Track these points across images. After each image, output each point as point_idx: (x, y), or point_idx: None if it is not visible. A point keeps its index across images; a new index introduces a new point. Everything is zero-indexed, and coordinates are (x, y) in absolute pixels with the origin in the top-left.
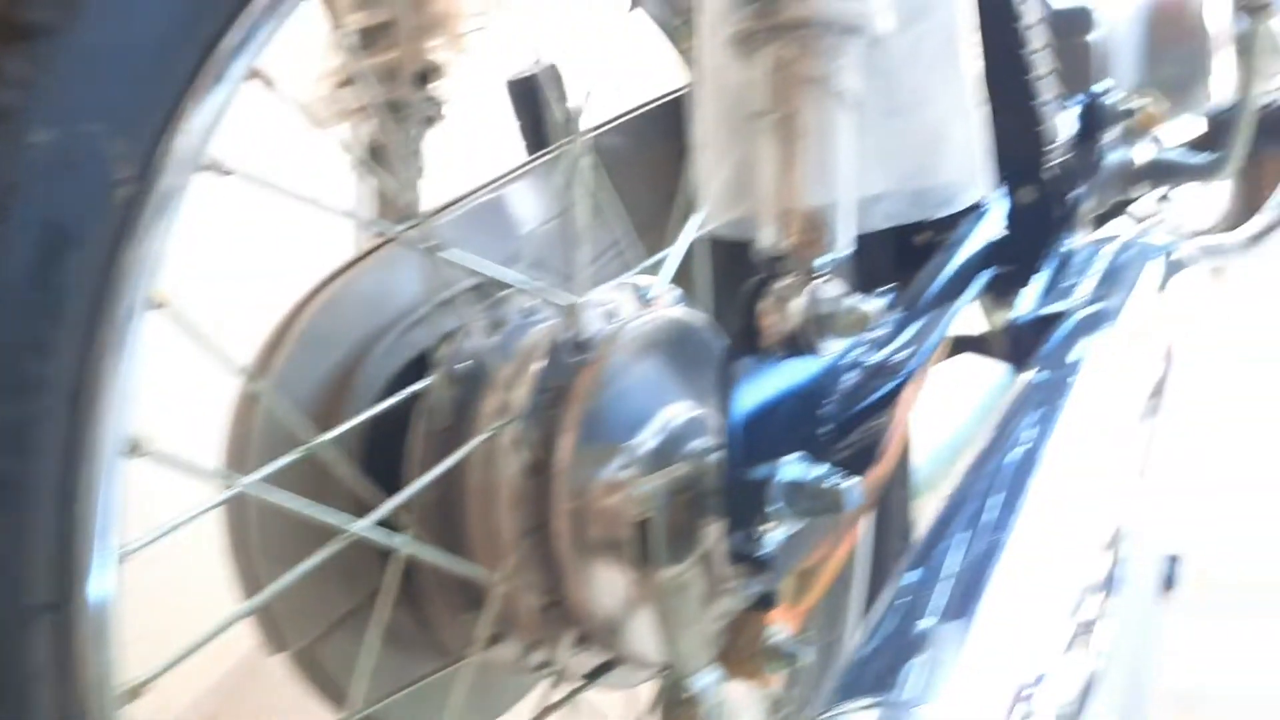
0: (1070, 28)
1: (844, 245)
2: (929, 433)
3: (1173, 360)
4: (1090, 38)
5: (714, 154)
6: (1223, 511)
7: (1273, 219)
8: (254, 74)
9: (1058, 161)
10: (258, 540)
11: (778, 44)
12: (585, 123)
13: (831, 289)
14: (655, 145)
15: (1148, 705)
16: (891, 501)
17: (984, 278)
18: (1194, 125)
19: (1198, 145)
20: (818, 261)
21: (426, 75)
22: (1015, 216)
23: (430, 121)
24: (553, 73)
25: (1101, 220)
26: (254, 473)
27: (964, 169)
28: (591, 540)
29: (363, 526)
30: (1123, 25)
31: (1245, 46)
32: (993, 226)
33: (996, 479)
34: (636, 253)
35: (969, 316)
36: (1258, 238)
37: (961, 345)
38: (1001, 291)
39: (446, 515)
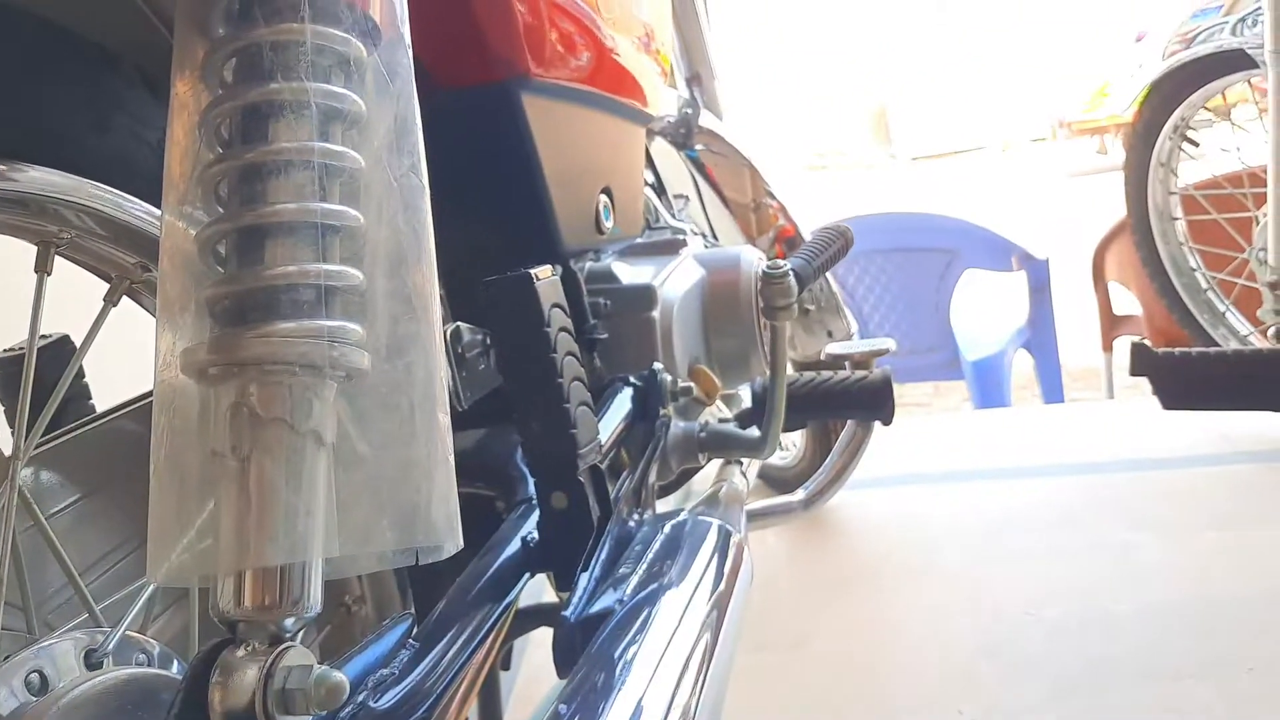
0: (634, 305)
1: (312, 606)
2: None
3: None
4: (653, 314)
5: (166, 495)
6: None
7: (824, 482)
8: None
9: (597, 461)
10: None
11: (238, 380)
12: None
13: (296, 657)
14: None
15: None
16: None
17: (522, 582)
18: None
19: (748, 417)
20: (283, 625)
21: None
22: (550, 522)
23: None
24: (58, 349)
25: (671, 487)
26: None
27: (448, 514)
28: None
29: None
30: (682, 302)
31: (771, 340)
32: (527, 531)
33: None
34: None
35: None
36: (813, 499)
37: (534, 619)
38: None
39: None
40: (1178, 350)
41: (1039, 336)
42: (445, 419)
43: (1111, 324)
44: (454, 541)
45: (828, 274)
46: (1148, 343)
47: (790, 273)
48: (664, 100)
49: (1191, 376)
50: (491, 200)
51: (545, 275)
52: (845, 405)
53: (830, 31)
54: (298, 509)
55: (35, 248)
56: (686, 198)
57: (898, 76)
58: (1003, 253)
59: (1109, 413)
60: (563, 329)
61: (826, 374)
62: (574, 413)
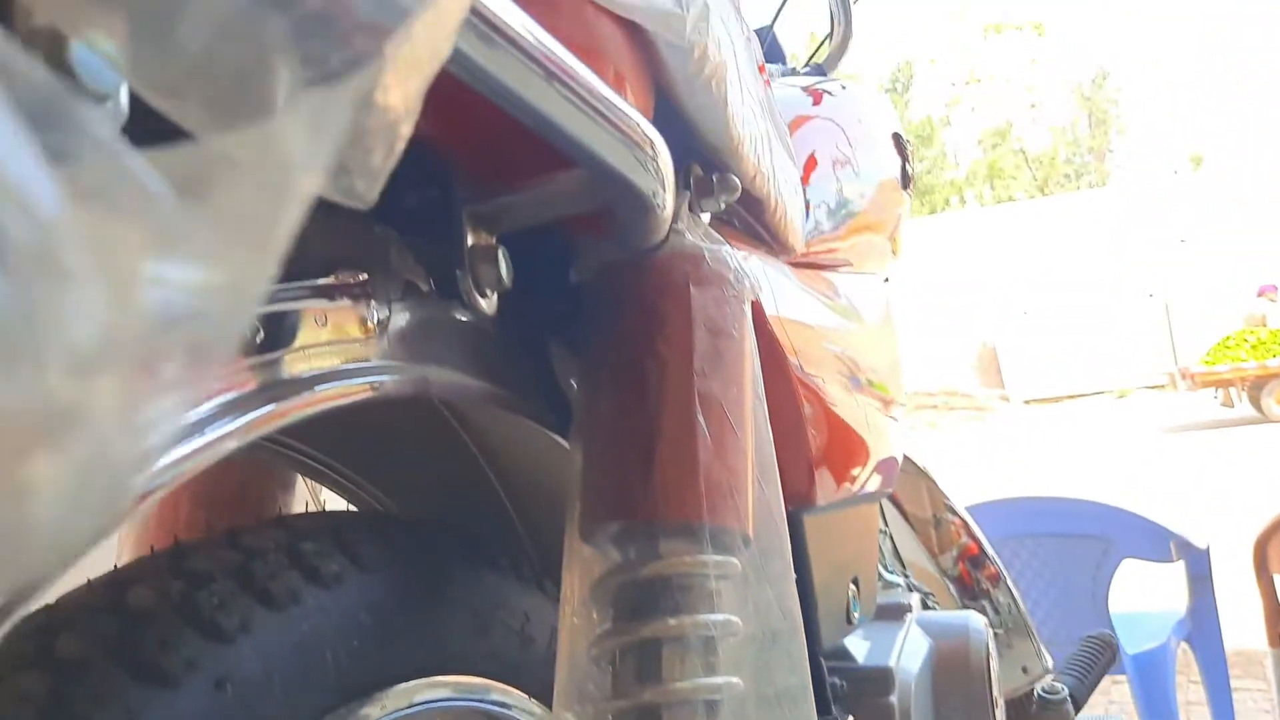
0: (873, 689)
1: None
2: None
3: None
4: (891, 699)
5: None
6: None
7: None
8: None
9: None
10: None
11: None
12: None
13: None
14: None
15: None
16: None
17: None
18: None
19: None
20: None
21: None
22: None
23: None
24: None
25: None
26: None
27: None
28: None
29: None
30: (917, 681)
31: None
32: None
33: None
34: None
35: None
36: None
37: None
38: None
39: None
40: None
41: (1201, 629)
42: None
43: (1278, 618)
44: None
45: (1017, 599)
46: None
47: (1069, 698)
48: (897, 470)
49: None
50: None
51: None
52: None
53: (932, 265)
54: None
55: None
56: (887, 534)
57: (1004, 315)
58: (1161, 541)
59: None
60: None
61: None
62: None
